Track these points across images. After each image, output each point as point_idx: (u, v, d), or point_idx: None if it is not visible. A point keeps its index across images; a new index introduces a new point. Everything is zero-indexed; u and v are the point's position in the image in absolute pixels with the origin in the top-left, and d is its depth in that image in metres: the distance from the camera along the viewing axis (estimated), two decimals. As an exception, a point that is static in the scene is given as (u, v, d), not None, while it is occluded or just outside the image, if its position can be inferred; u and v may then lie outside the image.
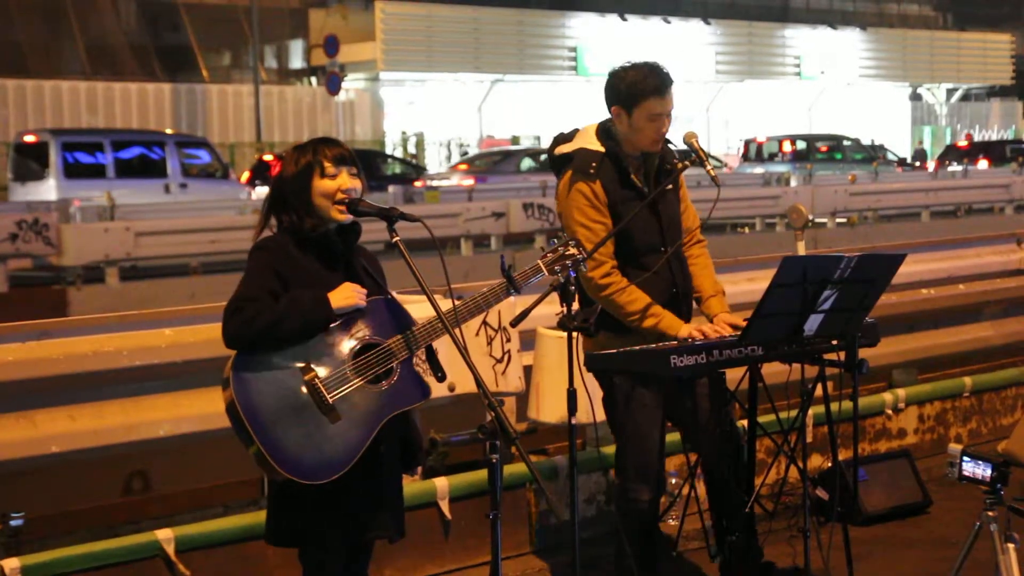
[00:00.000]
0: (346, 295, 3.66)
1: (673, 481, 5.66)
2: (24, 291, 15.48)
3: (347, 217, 3.75)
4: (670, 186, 4.82)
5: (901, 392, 7.38)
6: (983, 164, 32.91)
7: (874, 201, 23.17)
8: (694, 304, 4.94)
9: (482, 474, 5.38)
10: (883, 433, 7.23)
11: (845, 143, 33.91)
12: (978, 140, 44.47)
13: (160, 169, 22.45)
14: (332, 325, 3.64)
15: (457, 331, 3.62)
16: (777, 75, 44.88)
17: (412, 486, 5.30)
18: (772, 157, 33.51)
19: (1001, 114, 52.64)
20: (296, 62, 37.30)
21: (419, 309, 3.92)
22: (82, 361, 5.28)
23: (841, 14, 47.85)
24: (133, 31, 33.92)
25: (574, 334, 4.10)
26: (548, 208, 18.47)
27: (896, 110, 49.82)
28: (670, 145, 4.91)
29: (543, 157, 26.29)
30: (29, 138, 22.93)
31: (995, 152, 35.03)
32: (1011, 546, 4.19)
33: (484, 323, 5.92)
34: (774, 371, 4.85)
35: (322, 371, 3.60)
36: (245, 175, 25.52)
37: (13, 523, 5.18)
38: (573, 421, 4.17)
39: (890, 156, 34.05)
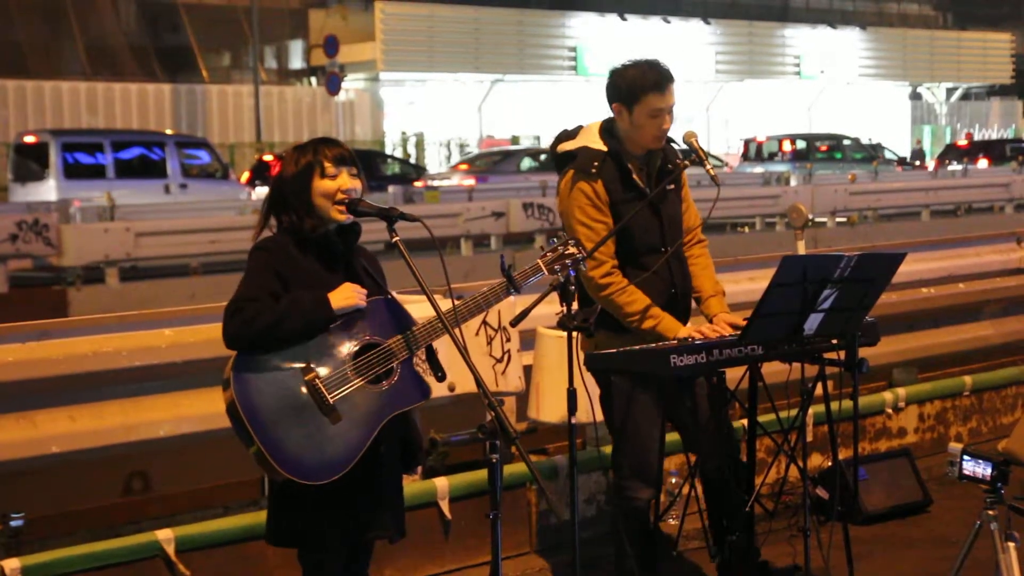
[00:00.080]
0: (346, 295, 3.66)
1: (673, 481, 5.66)
2: (24, 291, 15.48)
3: (347, 217, 3.75)
4: (671, 186, 4.82)
5: (901, 391, 7.39)
6: (983, 163, 32.92)
7: (874, 200, 23.17)
8: (693, 304, 4.94)
9: (482, 474, 5.37)
10: (883, 432, 7.24)
11: (845, 142, 33.91)
12: (978, 139, 44.47)
13: (160, 169, 22.45)
14: (332, 325, 3.64)
15: (457, 331, 3.62)
16: (777, 75, 44.88)
17: (412, 486, 5.31)
18: (772, 156, 33.53)
19: (1001, 113, 52.63)
20: (296, 62, 37.30)
21: (419, 309, 3.93)
22: (82, 361, 5.28)
23: (841, 13, 47.84)
24: (133, 31, 33.91)
25: (574, 334, 4.10)
26: (548, 208, 18.48)
27: (896, 109, 49.82)
28: (673, 144, 4.91)
29: (543, 157, 26.31)
30: (29, 139, 22.93)
31: (995, 151, 35.03)
32: (1011, 545, 4.19)
33: (484, 323, 5.92)
34: (774, 370, 4.85)
35: (323, 371, 3.60)
36: (245, 175, 25.52)
37: (13, 523, 5.18)
38: (573, 421, 4.17)
39: (888, 155, 34.04)
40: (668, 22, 41.20)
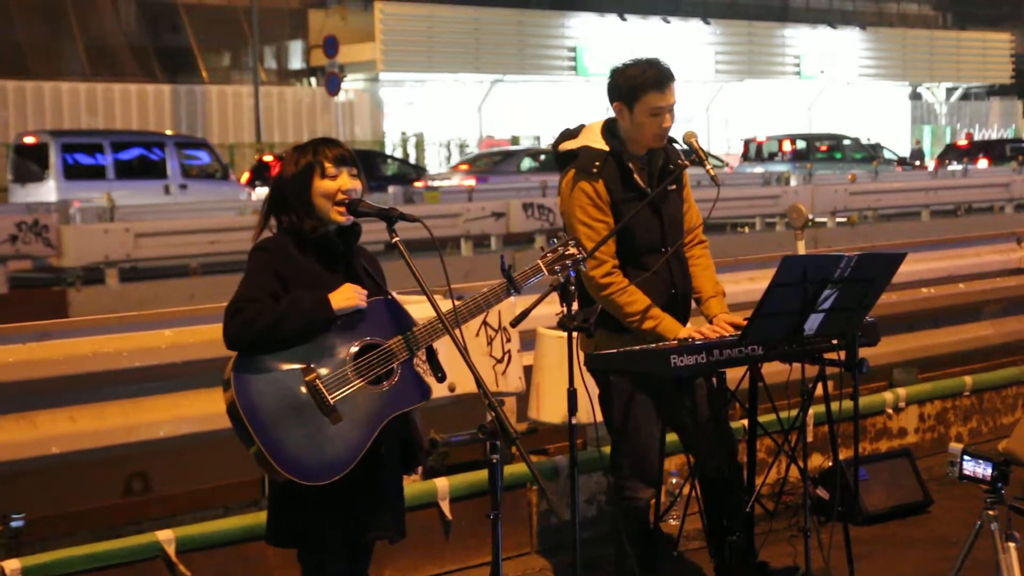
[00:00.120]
0: (347, 296, 3.66)
1: (674, 481, 5.65)
2: (24, 292, 15.48)
3: (347, 218, 3.74)
4: (673, 186, 4.82)
5: (901, 391, 7.39)
6: (983, 163, 32.92)
7: (874, 200, 23.17)
8: (693, 304, 4.94)
9: (482, 474, 5.37)
10: (884, 432, 7.23)
11: (845, 142, 33.91)
12: (978, 139, 44.47)
13: (160, 170, 22.44)
14: (333, 326, 3.64)
15: (457, 331, 3.62)
16: (777, 75, 44.88)
17: (412, 486, 5.30)
18: (772, 156, 33.54)
19: (1001, 113, 52.63)
20: (296, 63, 37.29)
21: (419, 309, 3.92)
22: (82, 362, 5.29)
23: (841, 13, 47.85)
24: (133, 32, 33.90)
25: (574, 334, 4.10)
26: (548, 208, 18.48)
27: (896, 109, 49.81)
28: (675, 144, 4.90)
29: (543, 157, 26.32)
30: (29, 139, 22.93)
31: (995, 151, 35.03)
32: (1012, 545, 4.19)
33: (484, 323, 5.92)
34: (774, 371, 4.85)
35: (323, 372, 3.60)
36: (245, 176, 25.52)
37: (14, 524, 5.18)
38: (573, 421, 4.17)
39: (887, 155, 34.04)
40: (668, 22, 41.20)
